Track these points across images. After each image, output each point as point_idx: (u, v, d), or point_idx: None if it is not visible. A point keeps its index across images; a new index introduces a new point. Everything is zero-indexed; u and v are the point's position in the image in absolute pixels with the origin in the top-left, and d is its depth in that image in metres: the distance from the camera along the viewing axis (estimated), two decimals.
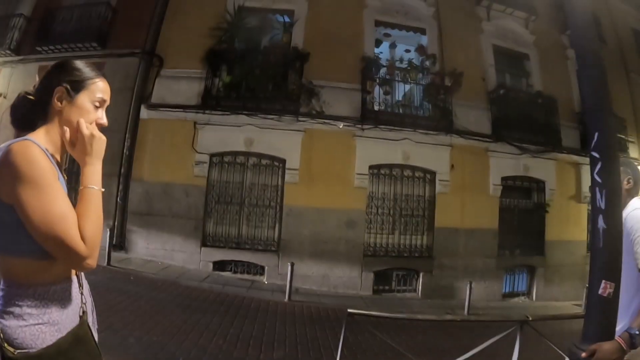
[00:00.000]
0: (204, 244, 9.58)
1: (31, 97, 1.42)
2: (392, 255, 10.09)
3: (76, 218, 1.25)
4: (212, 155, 9.70)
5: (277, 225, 9.65)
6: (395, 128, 9.89)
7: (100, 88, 1.50)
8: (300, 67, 9.76)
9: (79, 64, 1.48)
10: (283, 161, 9.67)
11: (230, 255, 9.62)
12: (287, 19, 10.81)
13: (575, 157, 11.37)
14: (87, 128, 1.41)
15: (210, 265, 9.47)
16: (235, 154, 9.77)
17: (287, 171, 9.58)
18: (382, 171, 10.10)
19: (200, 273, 9.02)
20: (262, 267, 9.56)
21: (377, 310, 7.06)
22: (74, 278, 1.40)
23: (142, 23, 10.94)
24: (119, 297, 6.32)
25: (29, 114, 1.42)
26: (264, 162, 9.80)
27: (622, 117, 12.99)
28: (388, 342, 4.05)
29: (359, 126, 9.74)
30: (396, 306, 9.02)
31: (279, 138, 9.56)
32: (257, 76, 9.60)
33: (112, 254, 8.57)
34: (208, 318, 6.06)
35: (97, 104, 1.49)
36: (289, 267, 8.18)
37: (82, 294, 1.43)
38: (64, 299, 1.32)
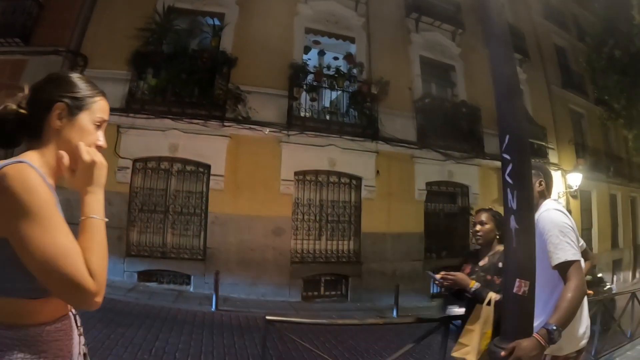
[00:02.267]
0: (128, 253, 9.12)
1: (23, 112, 1.24)
2: (320, 261, 10.11)
3: (81, 251, 1.07)
4: (135, 161, 9.29)
5: (202, 234, 9.41)
6: (322, 134, 9.96)
7: (102, 107, 1.34)
8: (228, 71, 9.60)
9: (77, 78, 1.32)
10: (208, 167, 9.45)
11: (155, 265, 9.27)
12: (217, 22, 10.61)
13: (497, 163, 11.69)
14: (88, 153, 1.24)
15: (135, 276, 9.02)
16: (159, 159, 9.44)
17: (212, 177, 9.37)
18: (308, 177, 10.12)
19: (124, 284, 8.58)
20: (189, 277, 9.29)
21: (307, 317, 7.02)
22: (71, 315, 1.25)
23: (68, 20, 10.46)
24: None
25: (17, 130, 1.24)
26: (188, 168, 9.54)
27: (543, 126, 13.66)
28: (309, 348, 4.00)
29: (285, 132, 9.71)
30: (326, 311, 9.02)
31: (204, 143, 9.34)
32: (184, 80, 9.32)
33: None
34: (132, 332, 5.83)
35: (98, 124, 1.32)
36: (215, 276, 8.06)
37: (80, 334, 1.27)
38: (60, 340, 1.15)
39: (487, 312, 2.45)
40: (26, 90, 1.28)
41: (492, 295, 2.45)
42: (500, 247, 2.66)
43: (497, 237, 2.76)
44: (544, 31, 15.99)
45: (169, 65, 9.51)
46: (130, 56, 9.58)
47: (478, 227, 2.80)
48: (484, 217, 2.83)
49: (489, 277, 2.61)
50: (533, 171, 2.16)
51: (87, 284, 1.03)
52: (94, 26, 10.24)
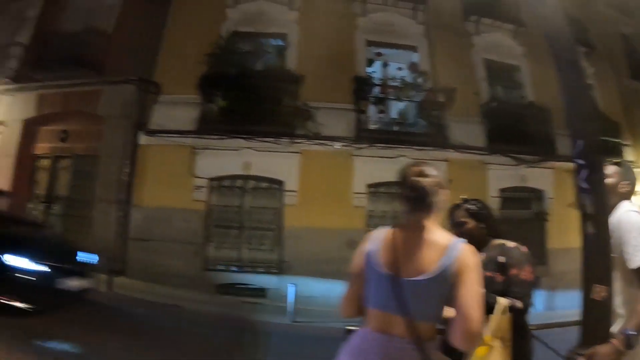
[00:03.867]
0: (205, 268, 9.53)
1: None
2: None
3: None
4: (210, 180, 9.74)
5: (277, 247, 9.63)
6: (391, 146, 9.90)
7: None
8: (295, 89, 9.81)
9: None
10: (281, 183, 9.70)
11: (232, 279, 9.57)
12: (279, 43, 10.87)
13: (572, 165, 11.30)
14: None
15: (212, 289, 9.35)
16: (233, 177, 9.82)
17: (285, 193, 9.61)
18: (381, 189, 10.10)
19: (202, 297, 8.85)
20: (264, 290, 9.51)
21: None
22: None
23: (138, 50, 11.03)
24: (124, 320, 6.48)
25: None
26: (262, 184, 9.85)
27: (616, 122, 13.02)
28: None
29: (355, 146, 9.77)
30: None
31: (276, 160, 9.60)
32: (252, 100, 9.61)
33: (114, 280, 8.48)
34: (212, 343, 5.96)
35: None
36: (291, 289, 8.18)
37: None
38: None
39: (501, 324, 1.98)
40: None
41: (502, 301, 2.02)
42: (496, 241, 2.34)
43: (486, 230, 2.38)
44: (609, 20, 15.25)
45: (237, 87, 9.87)
46: (199, 80, 9.99)
47: (457, 231, 2.28)
48: (459, 216, 2.43)
49: (488, 273, 2.14)
50: (620, 170, 2.16)
51: (479, 322, 1.51)
52: (163, 54, 10.85)
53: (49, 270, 5.40)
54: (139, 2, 12.05)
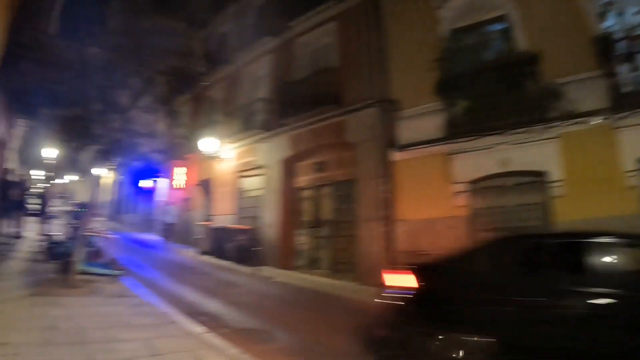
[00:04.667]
0: None
1: None
2: None
3: None
4: (469, 183, 9.93)
5: None
6: None
7: None
8: (534, 70, 9.30)
9: None
10: (544, 174, 9.21)
11: None
12: (503, 25, 10.60)
13: None
14: None
15: None
16: (491, 177, 9.80)
17: (550, 184, 9.08)
18: None
19: None
20: None
21: None
22: None
23: (369, 75, 12.26)
24: None
25: None
26: (523, 180, 9.53)
27: None
28: None
29: (616, 116, 8.59)
30: None
31: (533, 151, 9.23)
32: (494, 93, 9.55)
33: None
34: None
35: None
36: None
37: None
38: None
39: None
40: None
41: None
42: None
43: None
44: None
45: (474, 83, 9.95)
46: (435, 87, 10.42)
47: None
48: None
49: None
50: None
51: None
52: (394, 72, 11.75)
53: None
54: (352, 34, 13.41)
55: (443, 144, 10.12)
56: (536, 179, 9.40)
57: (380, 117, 11.52)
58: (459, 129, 10.01)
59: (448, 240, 9.69)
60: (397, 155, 11.10)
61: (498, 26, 10.82)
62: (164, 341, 4.83)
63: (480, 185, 9.97)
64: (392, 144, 11.24)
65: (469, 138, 9.83)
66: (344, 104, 12.70)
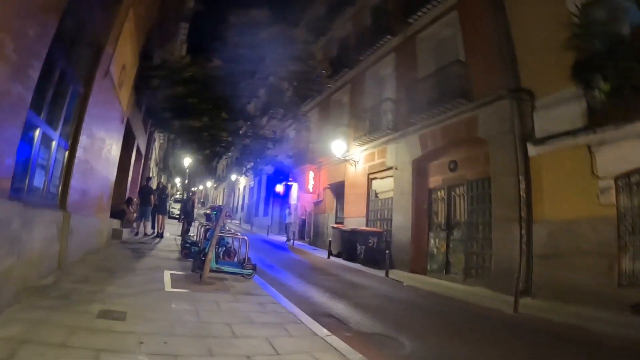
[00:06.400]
0: (619, 284, 8.87)
1: None
2: None
3: None
4: (617, 178, 9.23)
5: None
6: None
7: None
8: None
9: None
10: None
11: None
12: None
13: None
14: None
15: (627, 309, 8.44)
16: None
17: None
18: None
19: (614, 319, 8.16)
20: None
21: None
22: None
23: (497, 64, 12.18)
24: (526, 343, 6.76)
25: None
26: None
27: None
28: None
29: None
30: None
31: None
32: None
33: (520, 300, 8.87)
34: None
35: None
36: None
37: None
38: None
39: None
40: None
41: None
42: None
43: None
44: None
45: (615, 61, 8.98)
46: (571, 70, 9.61)
47: None
48: None
49: None
50: None
51: None
52: (523, 59, 11.49)
53: None
54: (474, 21, 13.46)
55: (585, 134, 9.59)
56: None
57: (513, 108, 11.34)
58: (603, 116, 9.34)
59: (592, 244, 9.28)
60: (533, 150, 10.80)
61: None
62: (285, 340, 5.06)
63: (630, 181, 9.20)
64: (528, 137, 10.97)
65: (616, 126, 9.13)
66: (473, 97, 12.81)
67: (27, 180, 5.57)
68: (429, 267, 14.63)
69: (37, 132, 5.67)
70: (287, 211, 28.85)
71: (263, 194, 36.71)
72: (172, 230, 19.59)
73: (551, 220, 10.34)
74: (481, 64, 12.85)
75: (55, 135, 6.48)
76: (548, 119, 10.66)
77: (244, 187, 44.79)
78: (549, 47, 10.26)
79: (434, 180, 15.24)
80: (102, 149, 9.75)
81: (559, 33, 9.62)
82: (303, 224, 26.37)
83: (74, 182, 7.48)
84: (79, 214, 8.02)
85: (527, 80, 11.35)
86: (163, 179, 33.29)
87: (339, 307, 7.93)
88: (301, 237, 25.82)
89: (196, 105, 8.44)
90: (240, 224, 39.27)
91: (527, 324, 7.88)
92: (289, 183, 28.35)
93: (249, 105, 9.57)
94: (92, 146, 8.56)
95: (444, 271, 13.95)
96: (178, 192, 47.92)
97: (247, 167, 9.90)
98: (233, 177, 27.87)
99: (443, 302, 9.87)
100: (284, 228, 27.49)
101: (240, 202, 46.23)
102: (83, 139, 7.68)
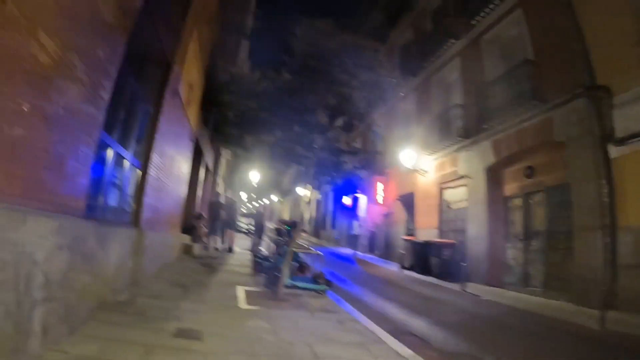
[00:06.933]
0: None
1: None
2: None
3: None
4: None
5: None
6: None
7: None
8: None
9: None
10: None
11: None
12: None
13: None
14: None
15: None
16: None
17: None
18: None
19: None
20: None
21: None
22: None
23: (569, 62, 11.73)
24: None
25: None
26: None
27: None
28: None
29: None
30: None
31: None
32: None
33: (607, 314, 8.58)
34: None
35: None
36: None
37: None
38: None
39: None
40: None
41: None
42: None
43: None
44: None
45: None
46: None
47: None
48: None
49: None
50: None
51: None
52: (596, 53, 10.96)
53: None
54: (541, 17, 13.10)
55: None
56: None
57: (590, 107, 10.80)
58: None
59: None
60: (614, 151, 10.20)
61: None
62: None
63: None
64: (608, 138, 10.39)
65: None
66: (547, 98, 12.39)
67: (101, 199, 5.84)
68: (506, 280, 14.24)
69: (110, 152, 5.96)
70: (355, 223, 28.98)
71: (330, 206, 37.08)
72: (241, 244, 20.15)
73: (638, 226, 9.74)
74: (552, 62, 12.42)
75: (128, 154, 6.82)
76: (629, 117, 10.03)
77: (314, 199, 45.36)
78: (624, 39, 9.87)
79: (510, 188, 14.87)
80: (172, 166, 10.24)
81: (635, 22, 9.31)
82: (372, 236, 26.41)
83: (146, 199, 7.85)
84: (152, 231, 8.46)
85: (603, 76, 10.75)
86: (230, 194, 34.39)
87: (419, 325, 7.83)
88: (370, 250, 25.88)
89: (268, 119, 8.73)
90: (310, 237, 39.78)
91: (616, 342, 7.58)
92: (359, 195, 28.50)
93: (322, 117, 9.77)
94: (163, 164, 8.98)
95: (523, 284, 13.51)
96: (247, 206, 49.38)
97: (317, 179, 10.06)
98: (302, 190, 28.30)
99: (524, 317, 9.62)
100: (352, 241, 27.61)
101: (310, 215, 46.84)
102: (154, 157, 8.06)
